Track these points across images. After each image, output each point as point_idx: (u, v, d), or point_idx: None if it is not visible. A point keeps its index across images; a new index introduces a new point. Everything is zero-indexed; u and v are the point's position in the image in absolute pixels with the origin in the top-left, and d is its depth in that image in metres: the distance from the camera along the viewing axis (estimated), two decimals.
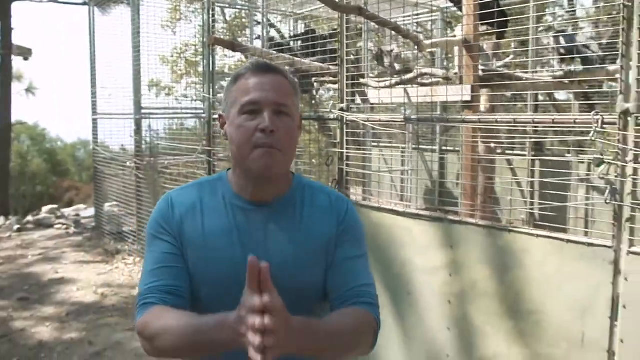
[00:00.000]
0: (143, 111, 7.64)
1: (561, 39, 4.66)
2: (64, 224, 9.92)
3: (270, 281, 1.19)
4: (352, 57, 4.31)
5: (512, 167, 6.42)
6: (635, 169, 2.61)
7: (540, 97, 6.93)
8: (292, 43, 6.56)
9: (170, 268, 1.50)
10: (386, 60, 5.12)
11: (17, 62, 15.11)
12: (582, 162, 5.76)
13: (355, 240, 1.61)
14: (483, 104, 5.31)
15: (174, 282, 1.49)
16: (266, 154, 1.46)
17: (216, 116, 6.09)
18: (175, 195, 1.59)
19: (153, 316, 1.42)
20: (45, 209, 11.15)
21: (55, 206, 11.76)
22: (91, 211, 10.51)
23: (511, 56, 6.69)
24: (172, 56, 12.16)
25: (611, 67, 4.87)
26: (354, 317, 1.46)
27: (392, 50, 5.16)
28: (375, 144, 7.38)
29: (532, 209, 4.44)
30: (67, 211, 12.02)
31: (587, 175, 5.48)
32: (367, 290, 1.55)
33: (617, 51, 2.66)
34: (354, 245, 1.60)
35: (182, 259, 1.52)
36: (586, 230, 2.97)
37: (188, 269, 1.51)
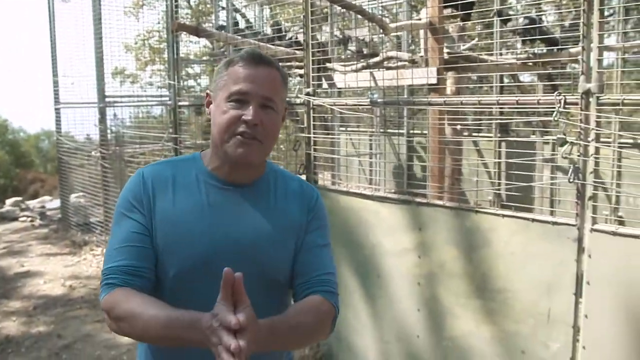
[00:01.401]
0: (107, 99, 7.50)
1: (521, 21, 4.69)
2: (29, 217, 9.74)
3: (244, 293, 1.24)
4: (317, 41, 4.29)
5: (478, 148, 6.49)
6: (597, 148, 2.66)
7: (505, 80, 7.00)
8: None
9: (136, 248, 1.49)
10: (351, 46, 5.10)
11: None
12: (547, 143, 5.84)
13: (323, 229, 1.67)
14: (449, 86, 5.35)
15: (139, 263, 1.48)
16: (244, 143, 1.49)
17: (182, 103, 6.03)
18: (148, 171, 1.58)
19: (120, 298, 1.42)
20: (9, 201, 10.92)
21: (19, 198, 11.54)
22: (57, 203, 10.33)
23: (476, 39, 6.73)
24: (136, 43, 11.96)
25: (573, 49, 4.94)
26: (315, 308, 1.51)
27: (356, 36, 5.14)
28: (343, 129, 7.39)
29: (498, 190, 4.49)
30: (32, 203, 11.79)
31: (552, 155, 5.57)
32: (330, 279, 1.60)
33: (579, 33, 2.69)
34: (322, 233, 1.65)
35: (150, 238, 1.50)
36: (552, 209, 3.02)
37: (158, 246, 1.50)
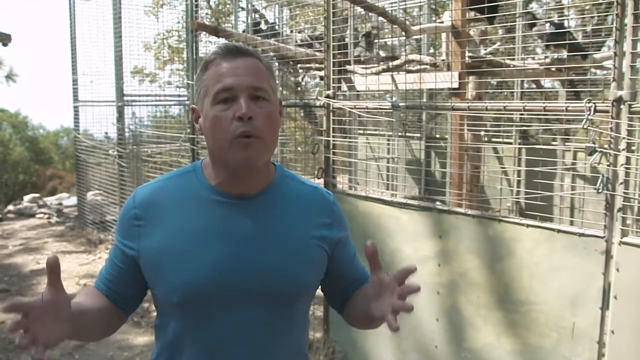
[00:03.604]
0: (125, 98, 7.51)
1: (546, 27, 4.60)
2: (45, 213, 9.78)
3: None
4: (338, 42, 4.23)
5: (498, 155, 6.39)
6: (627, 158, 2.57)
7: (526, 85, 6.90)
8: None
9: (113, 275, 1.47)
10: (373, 42, 5.03)
11: None
12: (569, 150, 5.73)
13: (349, 237, 1.58)
14: (470, 91, 5.26)
15: (113, 286, 1.48)
16: (246, 146, 1.34)
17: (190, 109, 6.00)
18: (141, 193, 1.46)
19: (85, 290, 1.48)
20: (27, 198, 10.98)
21: (37, 195, 11.59)
22: (74, 200, 10.37)
23: (498, 43, 6.63)
24: (156, 42, 12.00)
25: (598, 55, 4.83)
26: None
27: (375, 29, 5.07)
28: (362, 132, 7.33)
29: (518, 198, 4.41)
30: (50, 200, 11.85)
31: (573, 163, 5.47)
32: (367, 273, 1.55)
33: (602, 38, 2.61)
34: (349, 242, 1.58)
35: (131, 269, 1.44)
36: (576, 220, 2.93)
37: (152, 272, 1.42)
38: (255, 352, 1.40)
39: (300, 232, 1.45)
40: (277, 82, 1.49)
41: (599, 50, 6.01)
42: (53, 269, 1.20)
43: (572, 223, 2.88)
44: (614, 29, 2.55)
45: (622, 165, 2.56)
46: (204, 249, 1.38)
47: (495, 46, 6.42)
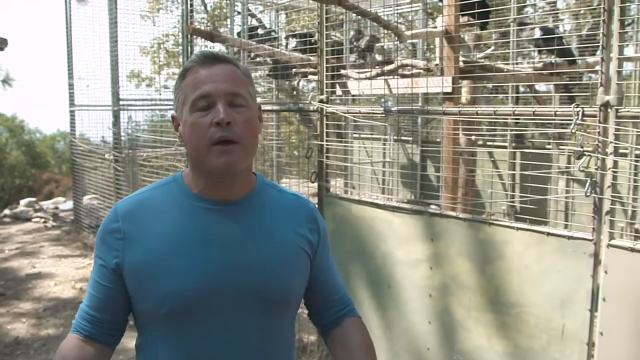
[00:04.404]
0: (121, 102, 7.53)
1: (538, 31, 4.64)
2: (42, 217, 9.79)
3: None
4: (331, 48, 4.26)
5: (493, 159, 6.42)
6: (615, 162, 2.60)
7: (521, 89, 6.94)
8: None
9: (99, 299, 1.44)
10: (362, 44, 5.05)
11: None
12: (563, 154, 5.77)
13: (328, 245, 1.62)
14: (464, 95, 5.30)
15: (99, 315, 1.44)
16: (225, 152, 1.35)
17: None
18: (121, 206, 1.45)
19: (65, 345, 1.44)
20: (23, 202, 10.99)
21: (33, 199, 11.60)
22: (70, 204, 10.38)
23: (492, 47, 6.67)
24: (152, 47, 12.01)
25: (591, 59, 4.88)
26: (364, 330, 1.61)
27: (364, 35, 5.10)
28: (357, 136, 7.35)
29: (512, 202, 4.43)
30: (46, 204, 11.86)
31: (567, 167, 5.50)
32: (348, 296, 1.66)
33: (597, 43, 2.64)
34: (328, 250, 1.61)
35: (115, 286, 1.41)
36: (566, 223, 2.96)
37: (136, 286, 1.40)
38: (245, 358, 1.40)
39: (284, 237, 1.47)
40: (255, 88, 1.50)
41: (594, 55, 6.07)
42: None
43: (566, 227, 2.91)
44: (600, 35, 2.59)
45: (609, 168, 2.60)
46: (190, 257, 1.38)
47: (489, 51, 6.46)
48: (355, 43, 5.03)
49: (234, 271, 1.38)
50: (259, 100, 1.52)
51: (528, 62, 5.55)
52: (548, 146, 6.45)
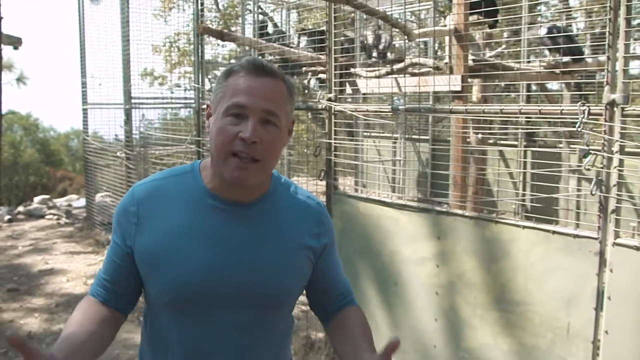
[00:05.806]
0: (133, 101, 7.58)
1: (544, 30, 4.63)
2: (55, 215, 9.88)
3: None
4: (341, 46, 4.28)
5: (503, 158, 6.41)
6: (620, 160, 2.60)
7: (533, 87, 6.91)
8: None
9: (112, 273, 1.49)
10: (375, 49, 5.07)
11: (7, 51, 14.98)
12: (574, 153, 5.75)
13: (335, 245, 1.63)
14: (474, 94, 5.29)
15: (112, 286, 1.49)
16: (241, 168, 1.36)
17: (204, 106, 6.06)
18: (139, 190, 1.48)
19: (79, 306, 1.47)
20: (37, 199, 11.10)
21: (47, 196, 11.71)
22: (83, 201, 10.47)
23: (503, 46, 6.66)
24: (164, 45, 12.09)
25: (602, 57, 4.85)
26: (362, 316, 1.61)
27: (379, 38, 5.11)
28: (367, 134, 7.37)
29: (523, 200, 4.43)
30: (59, 201, 11.97)
31: (578, 166, 5.48)
32: (349, 288, 1.69)
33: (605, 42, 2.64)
34: (335, 250, 1.63)
35: (127, 264, 1.46)
36: (575, 222, 2.96)
37: (145, 269, 1.45)
38: (239, 352, 1.46)
39: (290, 242, 1.49)
40: (294, 103, 1.49)
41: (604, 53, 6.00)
42: (19, 347, 1.17)
43: (573, 225, 2.90)
44: (607, 33, 2.58)
45: (615, 167, 2.59)
46: (197, 251, 1.41)
47: (500, 49, 6.45)
48: (377, 45, 5.04)
49: (235, 272, 1.42)
50: None
51: (539, 61, 5.53)
52: (560, 145, 6.42)
